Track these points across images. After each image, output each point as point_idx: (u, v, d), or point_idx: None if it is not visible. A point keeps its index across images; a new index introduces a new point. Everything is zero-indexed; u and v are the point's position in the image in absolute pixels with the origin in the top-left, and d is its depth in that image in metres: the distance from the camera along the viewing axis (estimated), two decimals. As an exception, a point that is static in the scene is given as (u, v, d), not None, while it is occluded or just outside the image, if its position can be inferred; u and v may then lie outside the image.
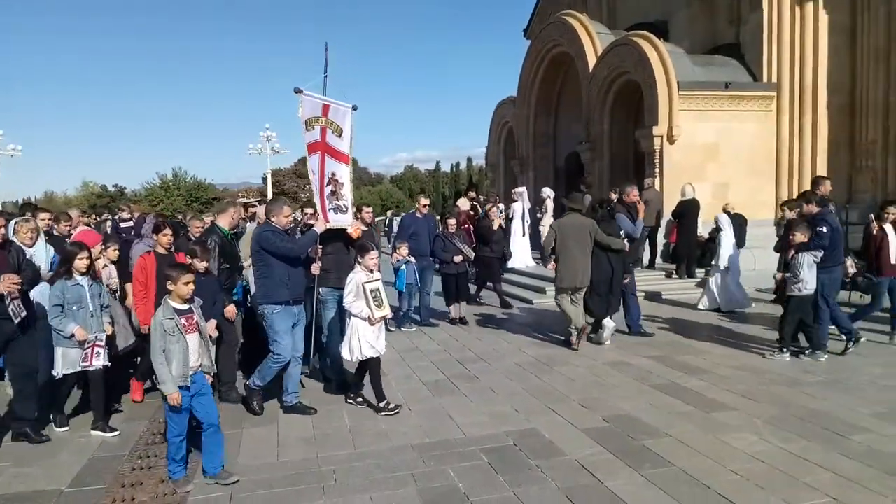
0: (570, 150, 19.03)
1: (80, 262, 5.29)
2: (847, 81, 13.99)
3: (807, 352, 7.26)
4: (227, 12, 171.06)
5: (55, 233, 7.25)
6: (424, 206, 10.09)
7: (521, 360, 7.51)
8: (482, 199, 15.04)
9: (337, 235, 6.36)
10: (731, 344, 8.00)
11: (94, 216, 13.52)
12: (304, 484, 4.25)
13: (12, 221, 6.28)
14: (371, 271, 5.72)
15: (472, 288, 11.50)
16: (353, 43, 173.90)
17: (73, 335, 5.16)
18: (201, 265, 5.60)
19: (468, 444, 4.87)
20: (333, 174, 6.35)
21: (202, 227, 6.78)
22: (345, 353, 5.77)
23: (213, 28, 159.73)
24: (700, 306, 10.33)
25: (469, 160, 67.43)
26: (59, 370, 5.24)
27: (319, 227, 5.94)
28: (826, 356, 7.12)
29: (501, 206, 15.04)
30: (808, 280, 7.07)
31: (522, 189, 15.18)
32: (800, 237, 7.14)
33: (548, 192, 15.26)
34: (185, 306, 4.35)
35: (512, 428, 5.19)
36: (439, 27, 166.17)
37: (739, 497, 3.87)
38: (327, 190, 6.28)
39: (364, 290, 5.57)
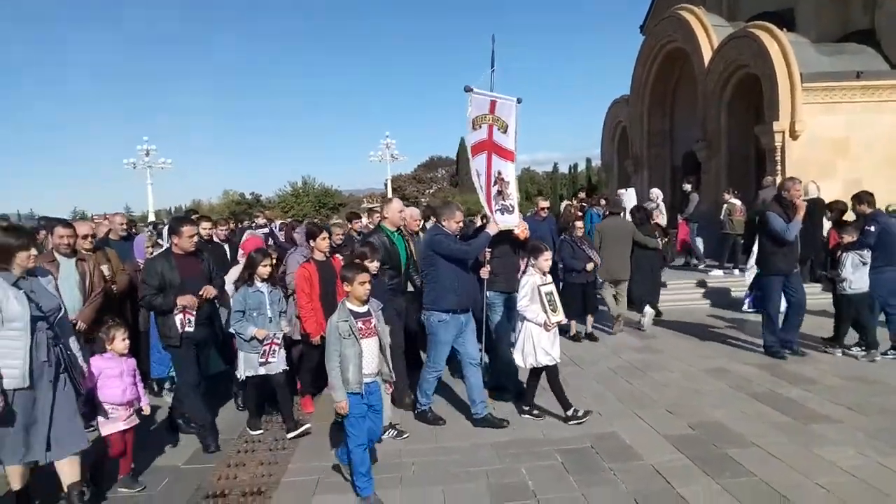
0: (686, 148, 18.31)
1: (263, 269, 5.38)
2: None
3: (860, 351, 7.27)
4: (344, 32, 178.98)
5: (216, 239, 7.58)
6: (544, 208, 9.37)
7: (614, 365, 7.45)
8: (582, 202, 14.67)
9: (503, 237, 6.00)
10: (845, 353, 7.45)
11: (234, 223, 14.41)
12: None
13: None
14: (545, 274, 5.47)
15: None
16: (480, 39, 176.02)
17: (253, 338, 5.24)
18: (373, 266, 5.28)
19: (545, 445, 4.97)
20: (500, 173, 6.03)
21: (342, 234, 6.91)
22: (517, 359, 5.51)
23: (336, 46, 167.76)
24: None
25: (588, 161, 66.12)
26: (241, 373, 5.38)
27: (492, 230, 5.66)
28: (881, 356, 7.11)
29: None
30: (853, 280, 7.17)
31: (624, 191, 14.82)
32: (847, 238, 7.35)
33: (656, 193, 14.80)
34: (363, 308, 4.15)
35: (592, 431, 5.22)
36: (559, 25, 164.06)
37: (821, 512, 3.72)
38: (493, 190, 5.98)
39: (539, 292, 5.34)
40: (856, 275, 7.18)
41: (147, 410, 4.69)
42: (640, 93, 19.74)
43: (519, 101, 6.12)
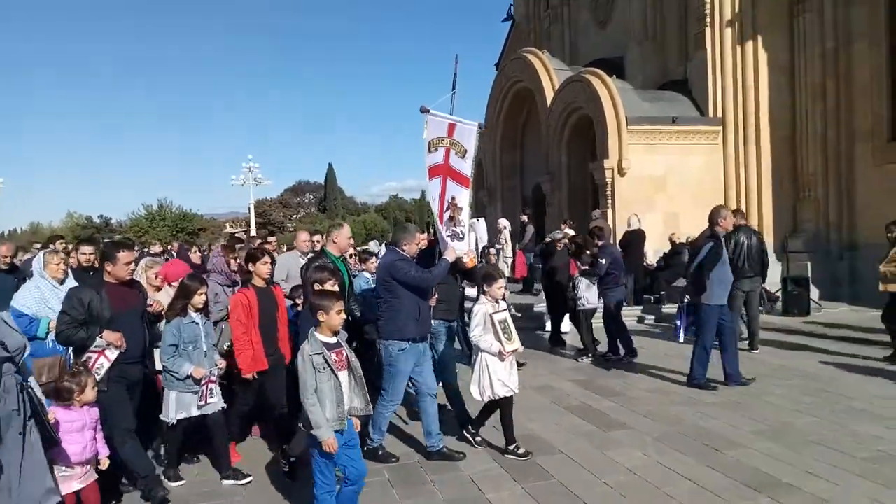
0: (535, 181, 19.66)
1: (199, 299, 4.93)
2: (788, 116, 14.68)
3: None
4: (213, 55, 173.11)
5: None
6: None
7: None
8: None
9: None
10: (654, 368, 8.43)
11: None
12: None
13: (40, 254, 5.85)
14: (497, 301, 5.32)
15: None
16: (341, 73, 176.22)
17: (189, 376, 4.76)
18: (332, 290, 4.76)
19: (376, 464, 5.20)
20: (453, 198, 5.86)
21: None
22: (474, 393, 5.27)
23: (195, 59, 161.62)
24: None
25: (454, 189, 68.43)
26: (172, 415, 4.78)
27: (451, 256, 5.44)
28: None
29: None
30: (587, 297, 9.02)
31: (475, 220, 15.60)
32: (582, 266, 9.12)
33: (503, 223, 15.81)
34: (334, 339, 3.87)
35: (421, 447, 5.56)
36: (423, 57, 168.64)
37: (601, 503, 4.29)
38: (445, 216, 5.82)
39: (493, 321, 5.17)
40: (587, 294, 9.00)
41: (105, 464, 4.18)
42: (493, 127, 20.97)
43: (480, 125, 6.04)
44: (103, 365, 4.39)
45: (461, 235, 5.86)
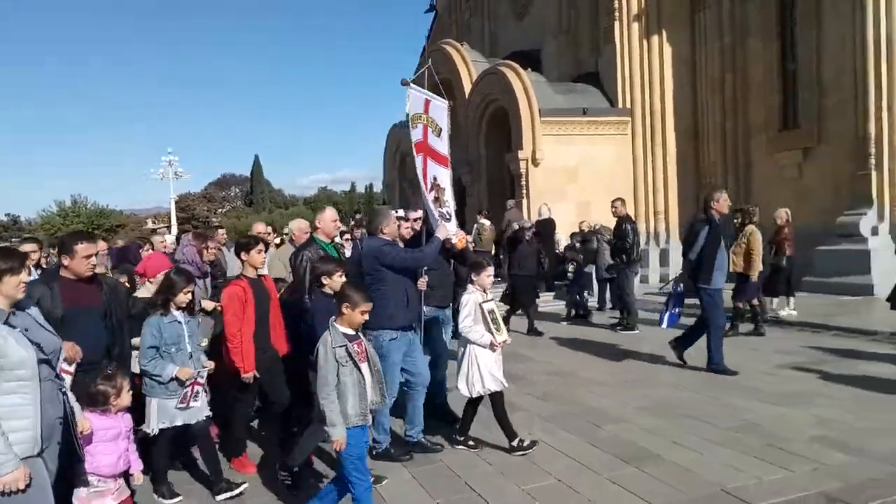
0: (457, 172, 19.84)
1: (184, 297, 4.48)
2: (690, 108, 15.42)
3: None
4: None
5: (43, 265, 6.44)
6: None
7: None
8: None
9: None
10: (556, 352, 8.75)
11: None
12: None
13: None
14: (485, 291, 5.14)
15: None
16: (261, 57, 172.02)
17: (173, 379, 4.30)
18: (340, 282, 4.49)
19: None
20: (435, 178, 5.70)
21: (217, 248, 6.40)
22: (462, 388, 5.05)
23: (103, 50, 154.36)
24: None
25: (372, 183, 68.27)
26: (154, 426, 4.34)
27: (442, 234, 5.24)
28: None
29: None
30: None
31: (401, 212, 15.72)
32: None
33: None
34: (353, 331, 3.73)
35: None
36: (354, 47, 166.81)
37: (481, 483, 4.46)
38: (430, 196, 5.65)
39: (482, 311, 4.99)
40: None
41: (140, 479, 3.78)
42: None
43: (450, 105, 5.93)
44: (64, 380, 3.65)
45: (448, 216, 5.69)
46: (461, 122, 17.71)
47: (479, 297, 5.02)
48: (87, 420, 3.41)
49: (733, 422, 5.50)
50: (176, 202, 49.74)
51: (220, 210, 71.33)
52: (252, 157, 71.80)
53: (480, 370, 4.94)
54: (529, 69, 16.13)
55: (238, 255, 5.11)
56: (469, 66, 17.40)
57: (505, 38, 21.63)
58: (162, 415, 4.33)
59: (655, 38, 15.27)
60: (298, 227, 6.71)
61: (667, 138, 15.42)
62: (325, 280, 4.58)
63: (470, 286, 5.13)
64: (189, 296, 4.53)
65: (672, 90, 15.36)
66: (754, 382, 6.75)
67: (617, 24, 15.33)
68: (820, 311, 10.18)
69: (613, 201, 10.30)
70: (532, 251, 10.33)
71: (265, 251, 5.18)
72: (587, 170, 15.24)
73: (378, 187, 69.00)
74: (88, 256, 4.09)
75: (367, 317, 3.76)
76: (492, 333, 4.94)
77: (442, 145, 5.73)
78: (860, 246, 11.56)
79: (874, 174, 11.64)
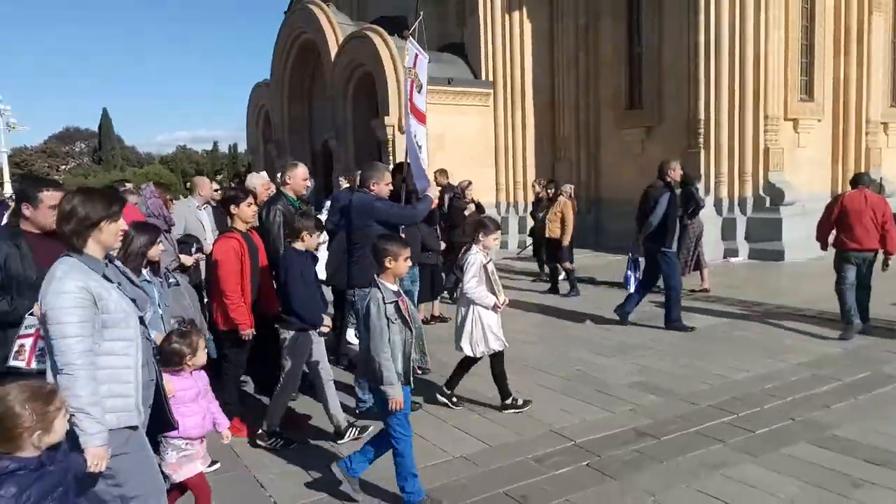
0: (324, 136, 19.58)
1: (155, 250, 4.08)
2: (548, 82, 16.21)
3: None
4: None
5: None
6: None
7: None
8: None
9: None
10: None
11: None
12: None
13: None
14: (488, 252, 5.15)
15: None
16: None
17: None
18: (315, 241, 4.64)
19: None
20: (415, 136, 5.60)
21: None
22: (465, 348, 5.06)
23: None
24: None
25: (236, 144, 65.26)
26: None
27: (433, 191, 5.26)
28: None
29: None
30: None
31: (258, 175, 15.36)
32: None
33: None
34: (396, 287, 3.68)
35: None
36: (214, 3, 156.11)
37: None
38: (422, 156, 5.55)
39: (486, 272, 5.00)
40: None
41: (228, 437, 3.58)
42: (280, 79, 20.39)
43: (430, 60, 5.88)
44: (21, 349, 3.06)
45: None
46: (328, 85, 17.48)
47: (483, 258, 5.04)
48: (170, 381, 3.23)
49: (567, 371, 6.12)
50: (9, 157, 44.63)
51: (62, 167, 64.98)
52: (101, 109, 65.51)
53: (484, 330, 4.99)
54: (396, 35, 16.15)
55: (227, 208, 4.88)
56: (335, 28, 17.09)
57: (374, 2, 21.39)
58: None
59: (517, 14, 15.83)
60: (261, 182, 6.37)
61: (526, 111, 16.14)
62: (305, 237, 4.50)
63: (475, 247, 5.09)
64: (160, 247, 4.22)
65: (531, 65, 16.05)
66: (589, 336, 7.48)
67: (481, -5, 15.70)
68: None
69: (435, 172, 10.00)
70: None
71: (255, 203, 5.00)
72: (453, 138, 15.62)
73: (242, 147, 66.11)
74: (54, 206, 3.20)
75: (409, 263, 3.75)
76: (495, 294, 5.02)
77: (421, 102, 5.71)
78: (689, 217, 12.91)
79: (702, 152, 12.99)
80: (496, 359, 5.11)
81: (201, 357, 3.48)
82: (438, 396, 5.27)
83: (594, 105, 15.64)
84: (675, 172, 7.76)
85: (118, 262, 2.86)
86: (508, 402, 5.12)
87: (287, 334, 4.53)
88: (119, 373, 2.55)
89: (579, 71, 15.65)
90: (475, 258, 5.01)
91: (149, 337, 2.84)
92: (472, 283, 4.96)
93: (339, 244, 6.17)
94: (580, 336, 7.52)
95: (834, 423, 4.67)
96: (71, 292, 2.43)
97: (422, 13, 6.05)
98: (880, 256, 7.03)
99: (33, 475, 2.10)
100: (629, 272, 8.43)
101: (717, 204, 13.10)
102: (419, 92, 5.67)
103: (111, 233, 2.61)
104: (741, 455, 4.19)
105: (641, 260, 8.07)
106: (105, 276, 2.59)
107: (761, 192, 12.86)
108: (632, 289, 8.18)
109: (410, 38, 5.66)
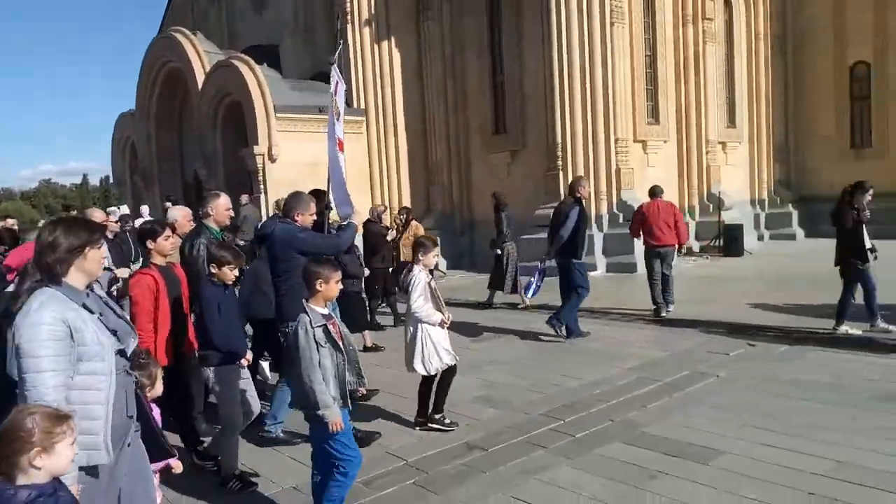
0: (195, 165, 18.96)
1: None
2: (419, 110, 16.63)
3: None
4: None
5: None
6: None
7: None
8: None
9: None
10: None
11: None
12: None
13: None
14: (430, 271, 5.29)
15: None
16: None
17: None
18: (233, 275, 4.45)
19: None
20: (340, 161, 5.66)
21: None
22: (418, 368, 5.13)
23: None
24: None
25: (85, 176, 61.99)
26: None
27: (357, 219, 5.26)
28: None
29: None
30: None
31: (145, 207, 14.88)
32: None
33: (145, 210, 15.25)
34: (327, 310, 3.65)
35: None
36: (83, 27, 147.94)
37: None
38: (344, 179, 5.63)
39: (431, 290, 5.12)
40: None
41: (179, 467, 3.36)
42: (146, 109, 19.60)
43: (346, 90, 5.91)
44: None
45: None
46: (195, 114, 17.03)
47: (426, 277, 5.17)
48: None
49: (415, 392, 6.26)
50: None
51: None
52: (-50, 143, 60.32)
53: (435, 347, 5.09)
54: (265, 64, 16.04)
55: (143, 242, 4.73)
56: (202, 56, 16.68)
57: (244, 30, 21.09)
58: None
59: (385, 43, 16.18)
60: (182, 214, 6.04)
61: (398, 138, 16.45)
62: (226, 269, 4.35)
63: (416, 266, 5.20)
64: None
65: (402, 92, 16.42)
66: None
67: (349, 26, 15.92)
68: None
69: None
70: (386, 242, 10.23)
71: (172, 236, 4.86)
72: (326, 166, 15.62)
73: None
74: None
75: (341, 285, 3.75)
76: (441, 311, 5.16)
77: (339, 129, 5.80)
78: (552, 235, 13.61)
79: (561, 174, 13.76)
80: (449, 373, 5.28)
81: (159, 388, 3.44)
82: (417, 429, 5.30)
83: (464, 131, 16.21)
84: (585, 190, 8.33)
85: (101, 292, 2.82)
86: (438, 416, 5.27)
87: (210, 371, 4.41)
88: (89, 409, 2.46)
89: (448, 99, 16.19)
90: (419, 277, 5.14)
91: (129, 370, 2.74)
92: (420, 302, 5.08)
93: (251, 274, 6.12)
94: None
95: (647, 421, 5.10)
96: (46, 324, 2.38)
97: (341, 41, 6.40)
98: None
99: (50, 500, 2.06)
100: (532, 279, 9.12)
101: (577, 222, 13.88)
102: (338, 119, 5.83)
103: (95, 260, 2.60)
104: (559, 459, 4.50)
105: (547, 269, 8.87)
106: (85, 306, 2.53)
107: (615, 209, 13.80)
108: (530, 294, 9.07)
109: (334, 66, 5.81)
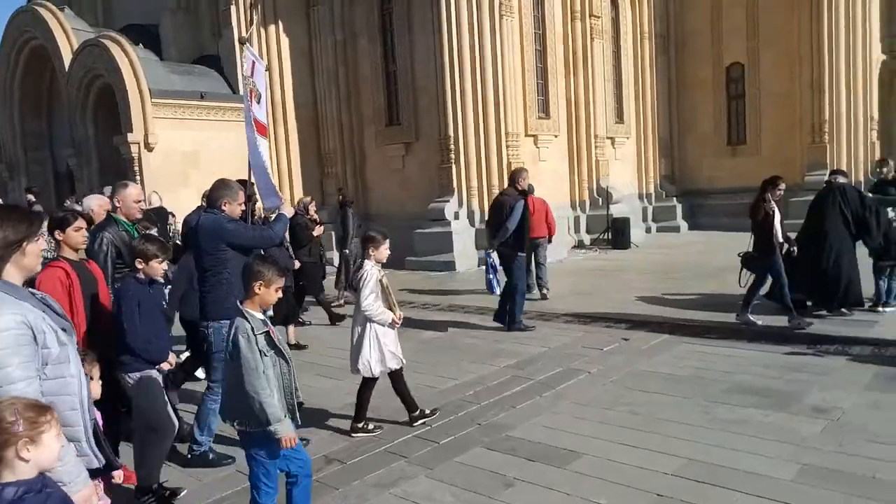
0: (61, 153, 17.52)
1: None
2: (310, 98, 16.08)
3: None
4: None
5: None
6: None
7: None
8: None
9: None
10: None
11: None
12: None
13: None
14: (382, 266, 4.91)
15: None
16: None
17: None
18: (163, 268, 4.12)
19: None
20: (260, 148, 5.39)
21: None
22: (362, 370, 4.82)
23: None
24: None
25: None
26: None
27: (287, 210, 5.06)
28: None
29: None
30: None
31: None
32: None
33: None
34: (263, 316, 3.33)
35: None
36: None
37: None
38: (268, 167, 5.44)
39: (382, 287, 4.81)
40: None
41: (120, 477, 3.05)
42: (9, 89, 17.90)
43: (267, 69, 5.59)
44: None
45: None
46: (63, 96, 15.69)
47: (378, 273, 4.84)
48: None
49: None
50: None
51: None
52: None
53: (382, 349, 4.82)
54: (141, 45, 14.98)
55: (51, 232, 4.18)
56: (69, 34, 15.37)
57: (120, 8, 19.65)
58: None
59: (273, 28, 15.48)
60: (98, 203, 5.53)
61: (289, 127, 15.83)
62: (154, 263, 4.00)
63: (367, 262, 4.86)
64: None
65: (291, 80, 15.80)
66: (324, 360, 7.41)
67: (234, 8, 15.09)
68: (413, 284, 11.68)
69: None
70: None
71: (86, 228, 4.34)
72: (211, 155, 14.79)
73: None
74: None
75: (280, 294, 3.39)
76: (393, 310, 4.89)
77: (261, 113, 5.54)
78: (445, 228, 13.53)
79: (454, 167, 13.68)
80: (395, 377, 5.01)
81: (96, 389, 3.15)
82: (353, 435, 4.94)
83: (357, 120, 15.83)
84: (524, 182, 8.29)
85: (35, 290, 2.58)
86: (416, 413, 5.06)
87: (129, 378, 3.95)
88: (65, 416, 2.25)
89: (340, 86, 15.75)
90: (371, 273, 4.83)
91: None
92: (371, 300, 4.78)
93: (182, 270, 5.79)
94: (314, 362, 7.39)
95: (512, 423, 5.04)
96: (10, 329, 2.13)
97: (256, 17, 6.19)
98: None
99: (40, 496, 1.95)
100: (489, 276, 9.78)
101: (470, 216, 13.89)
102: (258, 102, 5.53)
103: (34, 254, 2.36)
104: (418, 469, 4.34)
105: (494, 261, 9.23)
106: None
107: (507, 203, 13.87)
108: (498, 291, 9.03)
109: (247, 45, 5.58)
